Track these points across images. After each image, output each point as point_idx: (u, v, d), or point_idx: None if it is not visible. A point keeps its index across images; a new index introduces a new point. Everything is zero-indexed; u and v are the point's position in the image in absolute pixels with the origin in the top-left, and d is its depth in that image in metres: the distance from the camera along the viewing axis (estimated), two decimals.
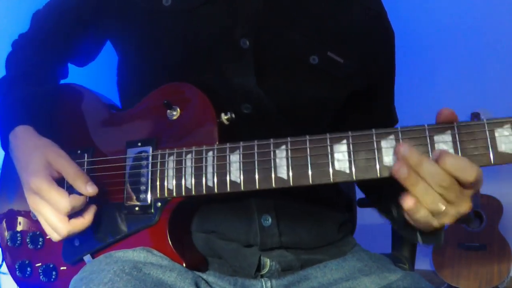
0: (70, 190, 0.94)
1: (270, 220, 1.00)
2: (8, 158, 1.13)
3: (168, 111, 0.97)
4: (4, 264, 1.14)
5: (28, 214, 1.09)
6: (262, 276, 1.01)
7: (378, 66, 1.15)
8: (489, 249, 3.11)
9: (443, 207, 0.77)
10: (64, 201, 0.91)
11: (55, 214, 0.93)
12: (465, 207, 0.80)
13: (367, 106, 1.17)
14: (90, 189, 0.94)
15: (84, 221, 0.95)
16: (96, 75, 1.60)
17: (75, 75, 1.28)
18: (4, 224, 1.13)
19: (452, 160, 0.74)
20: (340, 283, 1.01)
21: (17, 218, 1.11)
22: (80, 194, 0.93)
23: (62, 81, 1.22)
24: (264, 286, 1.00)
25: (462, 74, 3.23)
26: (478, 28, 3.18)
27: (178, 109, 0.96)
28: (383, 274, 1.01)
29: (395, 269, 1.05)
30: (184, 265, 0.94)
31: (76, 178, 0.94)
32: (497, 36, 3.16)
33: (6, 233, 1.12)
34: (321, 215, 1.08)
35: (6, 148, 1.06)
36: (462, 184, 0.76)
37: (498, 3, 3.13)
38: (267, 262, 1.00)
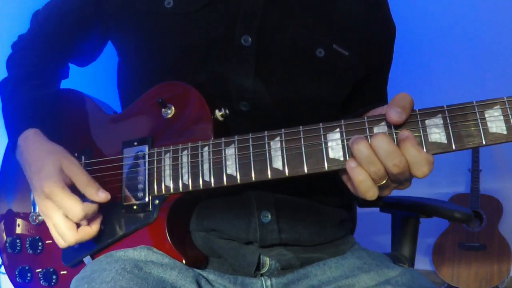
0: (82, 198, 0.95)
1: (269, 216, 1.00)
2: (7, 161, 1.14)
3: (163, 109, 0.97)
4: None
5: (27, 218, 1.10)
6: (262, 275, 1.01)
7: (374, 56, 1.16)
8: (489, 249, 3.12)
9: (385, 180, 0.79)
10: (78, 207, 0.92)
11: (65, 221, 0.94)
12: (406, 185, 0.83)
13: (362, 95, 1.18)
14: (102, 195, 0.95)
15: (91, 231, 0.96)
16: (97, 77, 1.61)
17: (77, 77, 1.29)
18: (4, 229, 1.13)
19: (415, 153, 0.76)
20: (339, 281, 1.01)
21: (15, 222, 1.12)
22: (92, 202, 0.95)
23: (63, 81, 1.23)
24: (264, 284, 1.00)
25: (461, 72, 3.24)
26: (478, 26, 3.18)
27: (173, 107, 0.97)
28: (382, 271, 1.01)
29: (394, 266, 1.05)
30: (183, 262, 0.94)
31: (88, 186, 0.95)
32: (497, 35, 3.17)
33: (5, 239, 1.12)
34: (321, 212, 1.08)
35: (13, 151, 1.06)
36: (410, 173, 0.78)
37: (499, 2, 3.15)
38: (267, 261, 1.00)
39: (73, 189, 0.95)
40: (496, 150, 3.29)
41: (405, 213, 1.59)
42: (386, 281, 0.99)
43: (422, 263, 3.27)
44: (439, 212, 1.54)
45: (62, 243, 0.96)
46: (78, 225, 0.95)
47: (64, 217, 0.93)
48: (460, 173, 3.31)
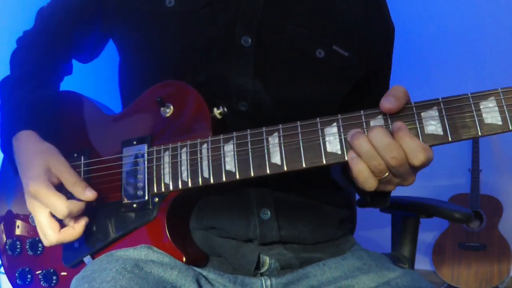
0: (69, 196, 0.95)
1: (269, 213, 1.00)
2: (6, 162, 1.14)
3: (162, 108, 0.98)
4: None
5: (27, 219, 1.10)
6: (261, 275, 1.01)
7: (374, 57, 1.16)
8: (489, 249, 3.12)
9: (387, 173, 0.81)
10: (62, 204, 0.92)
11: (48, 221, 0.95)
12: (410, 180, 0.85)
13: (361, 97, 1.18)
14: (89, 194, 0.95)
15: (74, 232, 0.97)
16: (99, 76, 1.61)
17: (80, 76, 1.30)
18: (3, 231, 1.14)
19: (408, 141, 0.78)
20: (339, 281, 1.01)
21: (15, 224, 1.12)
22: (77, 200, 0.95)
23: (66, 78, 1.24)
24: (263, 284, 1.00)
25: (460, 73, 3.24)
26: (477, 26, 3.19)
27: (171, 106, 0.98)
28: (382, 272, 1.01)
29: (394, 267, 1.05)
30: (183, 259, 0.94)
31: (75, 185, 0.95)
32: (496, 35, 3.18)
33: (5, 241, 1.12)
34: (320, 210, 1.08)
35: (8, 151, 1.07)
36: (409, 164, 0.80)
37: (498, 2, 3.16)
38: (266, 260, 1.00)
39: (61, 189, 0.96)
40: (496, 150, 3.29)
41: (405, 213, 1.59)
42: (386, 282, 0.99)
43: (422, 263, 3.28)
44: (439, 212, 1.55)
45: (45, 241, 0.97)
46: (62, 226, 0.96)
47: (48, 217, 0.94)
48: (460, 173, 3.32)
